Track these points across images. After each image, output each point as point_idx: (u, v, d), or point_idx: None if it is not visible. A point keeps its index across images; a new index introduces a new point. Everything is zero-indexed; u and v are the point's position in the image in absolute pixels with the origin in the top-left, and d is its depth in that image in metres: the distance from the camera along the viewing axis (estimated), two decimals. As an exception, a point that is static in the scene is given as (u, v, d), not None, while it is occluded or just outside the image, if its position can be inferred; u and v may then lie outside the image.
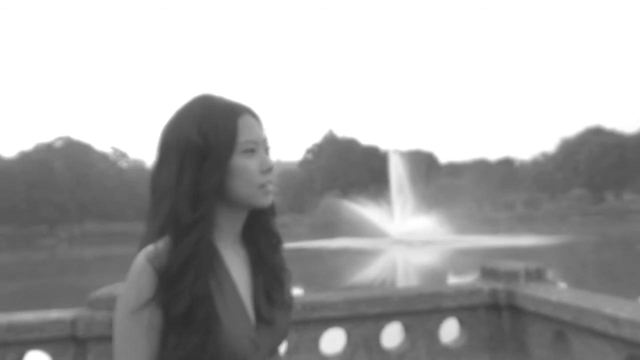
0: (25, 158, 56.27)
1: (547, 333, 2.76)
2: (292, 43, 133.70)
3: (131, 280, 0.88)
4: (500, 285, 3.06)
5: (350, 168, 61.17)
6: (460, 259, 21.18)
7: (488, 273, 3.23)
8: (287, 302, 1.05)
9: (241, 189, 0.94)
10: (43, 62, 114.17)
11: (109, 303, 2.63)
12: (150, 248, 0.89)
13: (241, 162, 0.94)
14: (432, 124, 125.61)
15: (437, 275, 16.99)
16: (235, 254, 1.00)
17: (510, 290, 3.00)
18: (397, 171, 40.68)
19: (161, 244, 0.89)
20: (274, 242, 1.06)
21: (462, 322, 3.12)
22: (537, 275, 3.09)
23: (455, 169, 72.25)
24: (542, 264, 3.14)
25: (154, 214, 0.94)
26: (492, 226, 41.80)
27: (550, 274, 3.26)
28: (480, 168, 70.41)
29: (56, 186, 55.39)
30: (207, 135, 0.92)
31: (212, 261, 0.92)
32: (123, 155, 67.86)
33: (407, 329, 3.02)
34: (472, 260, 20.28)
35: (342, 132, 71.69)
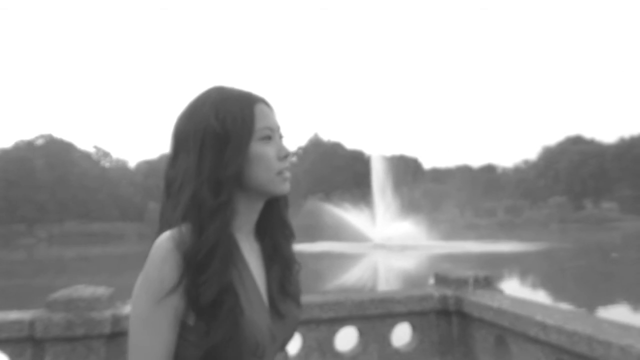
0: (5, 156, 55.41)
1: (490, 338, 2.89)
2: (279, 46, 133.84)
3: (155, 266, 0.84)
4: (449, 292, 3.20)
5: (335, 172, 61.39)
6: (440, 265, 21.42)
7: (440, 280, 3.36)
8: (298, 295, 1.05)
9: (260, 176, 0.94)
10: (25, 58, 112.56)
11: (67, 305, 2.70)
12: (174, 232, 0.86)
13: (259, 149, 0.94)
14: (418, 129, 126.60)
15: (416, 280, 17.16)
16: (250, 245, 0.99)
17: (458, 297, 3.14)
18: (379, 175, 40.93)
19: (184, 229, 0.86)
20: (288, 233, 1.06)
21: (413, 327, 3.24)
22: (485, 283, 3.24)
23: (439, 175, 72.96)
24: (490, 272, 3.28)
25: (171, 203, 0.92)
26: (473, 232, 42.29)
27: (498, 282, 3.41)
28: (464, 174, 71.23)
29: (36, 185, 54.64)
30: (226, 122, 0.91)
31: (234, 250, 0.92)
32: (106, 155, 67.20)
33: (360, 333, 3.13)
34: (451, 265, 20.54)
35: (327, 136, 72.11)
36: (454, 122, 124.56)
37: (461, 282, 3.21)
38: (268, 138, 0.95)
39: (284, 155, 0.97)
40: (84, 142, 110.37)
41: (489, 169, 77.88)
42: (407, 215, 35.14)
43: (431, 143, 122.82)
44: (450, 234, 34.42)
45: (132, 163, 69.20)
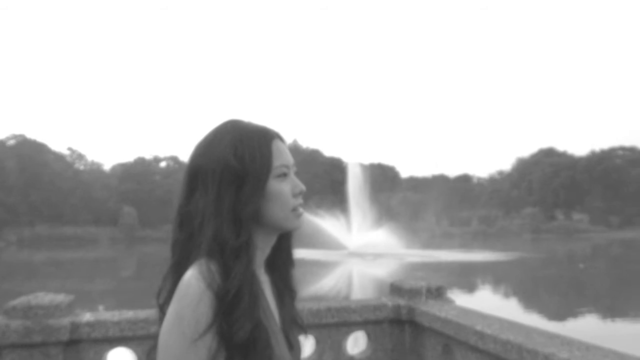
0: (-26, 156, 53.98)
1: (438, 346, 3.04)
2: (258, 52, 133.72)
3: (188, 306, 0.83)
4: (403, 302, 3.33)
5: (313, 179, 61.49)
6: (413, 273, 21.69)
7: (394, 290, 3.50)
8: (303, 325, 1.07)
9: (276, 213, 0.95)
10: None
11: (25, 312, 2.74)
12: (203, 271, 0.85)
13: (276, 186, 0.95)
14: (396, 138, 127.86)
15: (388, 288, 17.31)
16: (264, 280, 1.01)
17: (411, 307, 3.27)
18: (356, 183, 41.23)
19: (213, 267, 0.86)
20: (292, 265, 1.07)
21: (368, 335, 3.36)
22: (437, 294, 3.38)
23: (416, 184, 73.77)
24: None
25: (189, 239, 0.92)
26: (448, 241, 42.90)
27: (449, 292, 3.57)
28: (440, 183, 72.19)
29: (7, 186, 53.33)
30: (244, 160, 0.92)
31: (258, 287, 0.92)
32: (80, 157, 66.03)
33: (317, 341, 3.24)
34: (424, 274, 20.82)
35: (306, 143, 72.22)
36: (432, 132, 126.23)
37: (414, 292, 3.35)
38: (284, 175, 0.97)
39: (299, 192, 0.98)
40: (58, 144, 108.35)
41: (465, 179, 79.12)
42: (383, 224, 35.45)
43: (409, 152, 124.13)
44: (426, 243, 34.87)
45: (107, 166, 68.18)
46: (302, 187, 1.00)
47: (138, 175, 61.31)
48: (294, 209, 0.97)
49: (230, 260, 0.88)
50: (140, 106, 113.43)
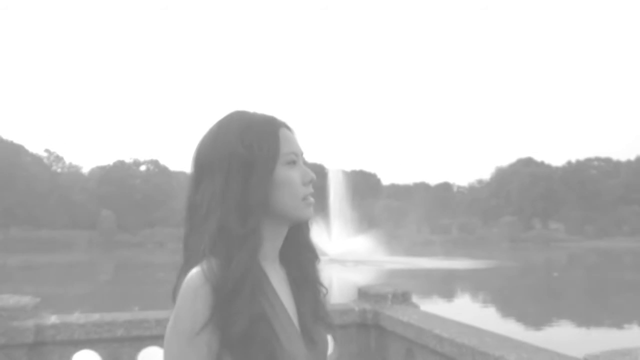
0: (-53, 156, 52.71)
1: (402, 350, 3.11)
2: (239, 58, 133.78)
3: (187, 302, 0.83)
4: (369, 307, 3.41)
5: (294, 185, 61.28)
6: (392, 280, 21.84)
7: (362, 295, 3.57)
8: (328, 318, 1.03)
9: (286, 201, 0.93)
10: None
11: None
12: (204, 266, 0.84)
13: (285, 174, 0.93)
14: (378, 146, 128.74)
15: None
16: (276, 273, 0.98)
17: (376, 311, 3.35)
18: (337, 190, 41.38)
19: (214, 261, 0.85)
20: (313, 257, 1.04)
21: (334, 340, 3.42)
22: (403, 299, 3.47)
23: (398, 191, 74.31)
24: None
25: (197, 231, 0.90)
26: (429, 248, 43.27)
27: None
28: (421, 191, 72.86)
29: (-19, 188, 52.15)
30: (252, 147, 0.91)
31: (263, 279, 0.91)
32: (58, 159, 64.94)
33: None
34: (403, 281, 20.98)
35: (288, 149, 71.94)
36: (414, 140, 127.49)
37: (380, 297, 3.43)
38: (293, 163, 0.95)
39: (309, 180, 0.96)
40: (35, 145, 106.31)
41: (445, 187, 79.96)
42: (365, 230, 35.60)
43: (391, 159, 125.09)
44: (406, 250, 35.11)
45: (86, 169, 67.18)
46: (313, 175, 0.98)
47: (117, 178, 60.50)
48: (304, 198, 0.95)
49: (233, 250, 0.86)
50: (121, 109, 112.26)
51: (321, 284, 1.05)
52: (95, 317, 2.95)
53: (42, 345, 2.82)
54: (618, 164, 72.72)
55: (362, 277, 23.00)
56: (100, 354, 2.90)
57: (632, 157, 71.46)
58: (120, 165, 63.35)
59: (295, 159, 0.96)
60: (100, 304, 15.27)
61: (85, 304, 15.92)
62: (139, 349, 2.97)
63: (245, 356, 0.83)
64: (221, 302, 0.82)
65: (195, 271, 0.85)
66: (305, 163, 0.99)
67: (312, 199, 0.97)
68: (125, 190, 59.65)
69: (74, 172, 65.56)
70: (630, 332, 12.32)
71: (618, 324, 13.43)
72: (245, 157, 0.90)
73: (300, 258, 1.02)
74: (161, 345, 2.78)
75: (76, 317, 2.95)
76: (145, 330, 2.94)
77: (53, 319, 2.91)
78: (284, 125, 0.98)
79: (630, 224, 61.97)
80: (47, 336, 2.81)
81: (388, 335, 3.27)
